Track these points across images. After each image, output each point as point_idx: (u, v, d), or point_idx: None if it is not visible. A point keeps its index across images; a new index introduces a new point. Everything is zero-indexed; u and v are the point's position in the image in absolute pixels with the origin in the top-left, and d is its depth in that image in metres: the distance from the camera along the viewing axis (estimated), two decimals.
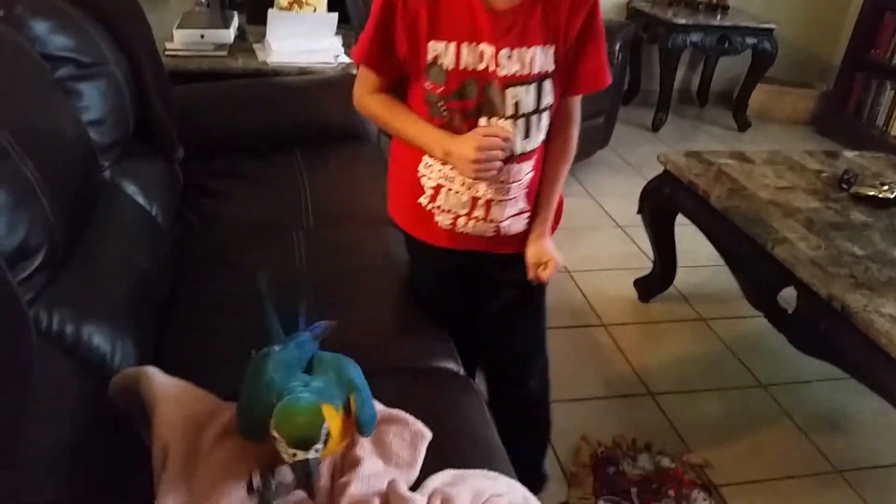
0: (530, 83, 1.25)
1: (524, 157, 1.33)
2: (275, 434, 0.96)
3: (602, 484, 1.92)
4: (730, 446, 2.12)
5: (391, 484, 1.11)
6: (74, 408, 1.16)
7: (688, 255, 2.79)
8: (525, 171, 1.36)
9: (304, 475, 0.98)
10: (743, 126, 4.74)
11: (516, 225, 1.42)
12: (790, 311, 2.01)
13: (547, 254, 1.42)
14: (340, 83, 2.49)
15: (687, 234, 2.59)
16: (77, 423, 1.13)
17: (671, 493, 1.91)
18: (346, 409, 1.08)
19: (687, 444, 2.11)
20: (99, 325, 1.32)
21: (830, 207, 2.23)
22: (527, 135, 1.31)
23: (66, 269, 1.34)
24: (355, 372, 1.15)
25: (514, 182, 1.35)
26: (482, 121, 1.27)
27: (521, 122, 1.28)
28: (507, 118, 1.27)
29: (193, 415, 1.19)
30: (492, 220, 1.38)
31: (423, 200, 1.40)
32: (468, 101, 1.26)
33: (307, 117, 2.42)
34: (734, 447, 2.12)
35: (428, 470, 1.20)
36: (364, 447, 1.19)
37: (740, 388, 2.37)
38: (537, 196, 1.43)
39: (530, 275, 1.44)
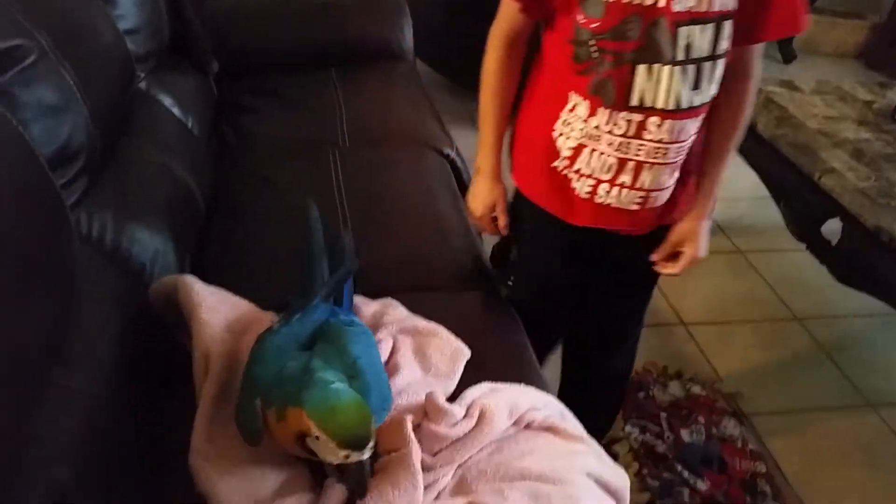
0: (708, 22, 1.04)
1: (690, 112, 1.10)
2: (317, 434, 0.86)
3: (631, 408, 1.93)
4: (762, 377, 2.11)
5: (430, 396, 1.11)
6: (118, 311, 1.17)
7: (727, 188, 2.72)
8: (690, 132, 1.14)
9: (359, 477, 0.90)
10: (788, 58, 4.56)
11: (664, 196, 1.20)
12: (834, 243, 1.97)
13: (693, 240, 1.26)
14: (377, 1, 2.43)
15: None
16: (121, 325, 1.15)
17: (701, 419, 1.91)
18: None
19: (719, 373, 2.10)
20: (139, 232, 1.32)
21: (881, 139, 2.15)
22: (696, 86, 1.08)
23: (104, 175, 1.34)
24: (359, 348, 1.04)
25: (674, 142, 1.12)
26: (640, 69, 1.05)
27: (690, 69, 1.06)
28: (674, 64, 1.05)
29: (233, 322, 1.20)
30: (640, 188, 1.16)
31: (559, 164, 1.20)
32: (626, 43, 1.04)
33: (343, 35, 2.36)
34: (766, 378, 2.11)
35: (465, 385, 1.20)
36: (405, 356, 1.19)
37: (775, 321, 2.34)
38: (704, 164, 1.24)
39: (658, 255, 1.30)
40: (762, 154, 2.20)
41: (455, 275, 1.51)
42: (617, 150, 1.13)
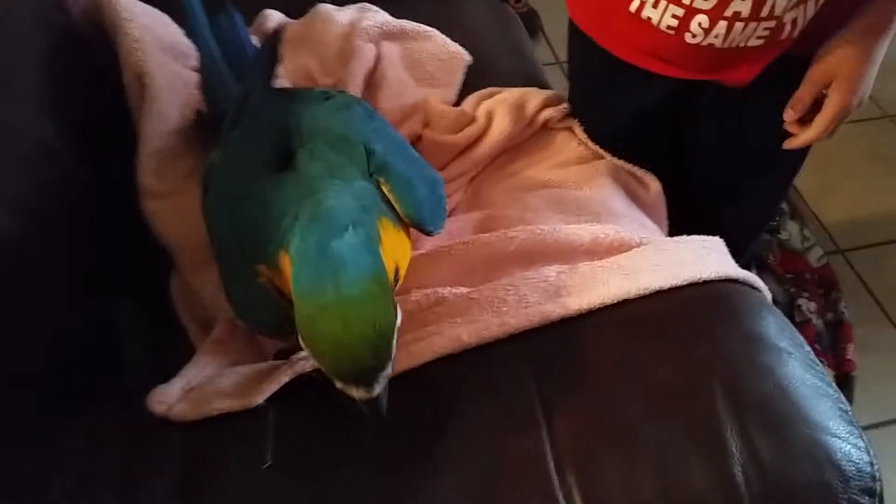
0: None
1: None
2: (301, 335, 0.55)
3: None
4: None
5: (426, 100, 0.94)
6: (39, 34, 0.94)
7: None
8: None
9: (372, 412, 0.56)
10: None
11: (807, 16, 0.77)
12: None
13: (851, 75, 0.78)
14: None
15: None
16: (42, 47, 0.93)
17: None
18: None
19: None
20: None
21: None
22: None
23: None
24: (369, 126, 0.70)
25: None
26: None
27: None
28: None
29: (170, 43, 0.97)
30: (769, 16, 0.74)
31: None
32: None
33: None
34: None
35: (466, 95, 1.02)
36: (393, 64, 1.00)
37: None
38: None
39: (793, 109, 0.82)
40: None
41: None
42: None
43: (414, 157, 0.72)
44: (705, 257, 0.74)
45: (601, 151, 0.96)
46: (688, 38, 0.77)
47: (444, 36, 1.07)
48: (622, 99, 0.93)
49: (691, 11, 0.75)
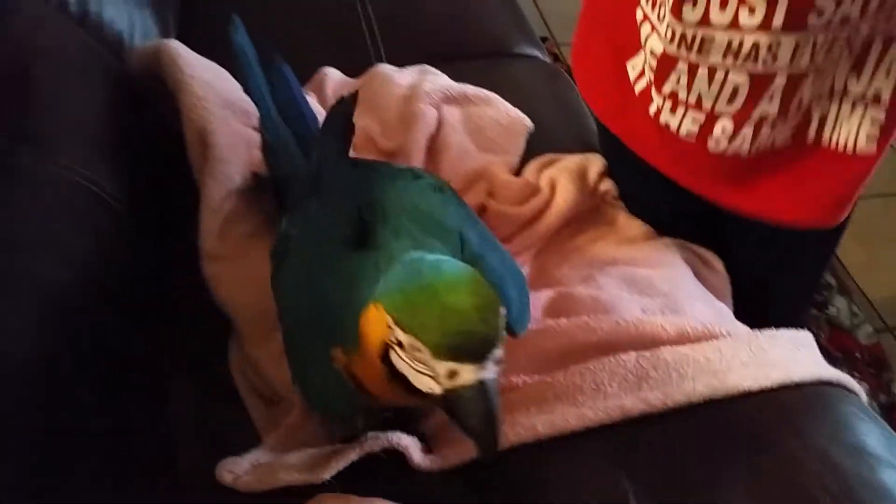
0: None
1: None
2: (399, 336, 0.50)
3: None
4: None
5: (490, 169, 0.92)
6: (96, 83, 0.93)
7: None
8: None
9: (482, 410, 0.49)
10: None
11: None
12: None
13: None
14: None
15: None
16: (97, 100, 0.91)
17: None
18: None
19: None
20: None
21: None
22: None
23: None
24: (463, 213, 0.67)
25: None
26: None
27: None
28: None
29: (231, 100, 0.95)
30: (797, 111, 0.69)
31: (638, 81, 0.75)
32: None
33: None
34: None
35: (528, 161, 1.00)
36: (455, 129, 0.98)
37: None
38: None
39: None
40: None
41: (497, 38, 1.26)
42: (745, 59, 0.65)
43: (502, 251, 0.69)
44: (795, 354, 0.70)
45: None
46: (710, 145, 0.72)
47: (504, 101, 1.05)
48: (656, 198, 0.90)
49: (712, 118, 0.70)
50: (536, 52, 1.27)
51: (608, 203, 0.96)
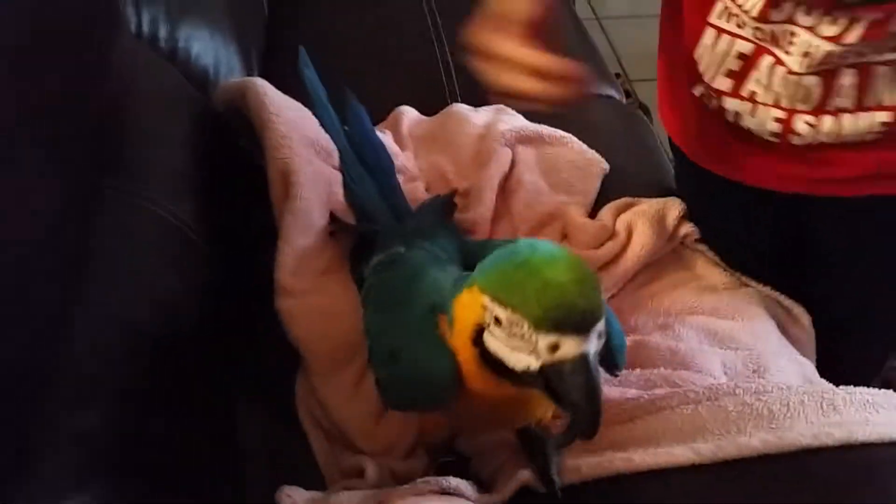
0: None
1: None
2: (497, 313, 0.50)
3: None
4: None
5: (566, 211, 0.90)
6: (180, 118, 0.96)
7: None
8: None
9: (584, 383, 0.49)
10: None
11: None
12: None
13: None
14: None
15: None
16: (184, 134, 0.93)
17: None
18: None
19: None
20: (196, 30, 1.09)
21: None
22: None
23: None
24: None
25: None
26: None
27: None
28: None
29: (313, 139, 0.96)
30: (878, 106, 0.69)
31: (724, 85, 0.76)
32: None
33: None
34: None
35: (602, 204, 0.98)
36: (529, 169, 0.97)
37: None
38: None
39: None
40: None
41: None
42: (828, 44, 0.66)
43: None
44: (867, 415, 0.65)
45: (745, 279, 0.90)
46: (794, 138, 0.73)
47: (579, 142, 1.03)
48: (739, 233, 0.89)
49: (791, 113, 0.71)
50: (613, 92, 1.26)
51: (688, 248, 0.93)
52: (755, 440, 0.63)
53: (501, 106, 1.08)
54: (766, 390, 0.68)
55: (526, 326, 0.48)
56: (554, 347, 0.48)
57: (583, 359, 0.48)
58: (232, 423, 0.77)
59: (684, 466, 0.62)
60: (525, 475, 0.63)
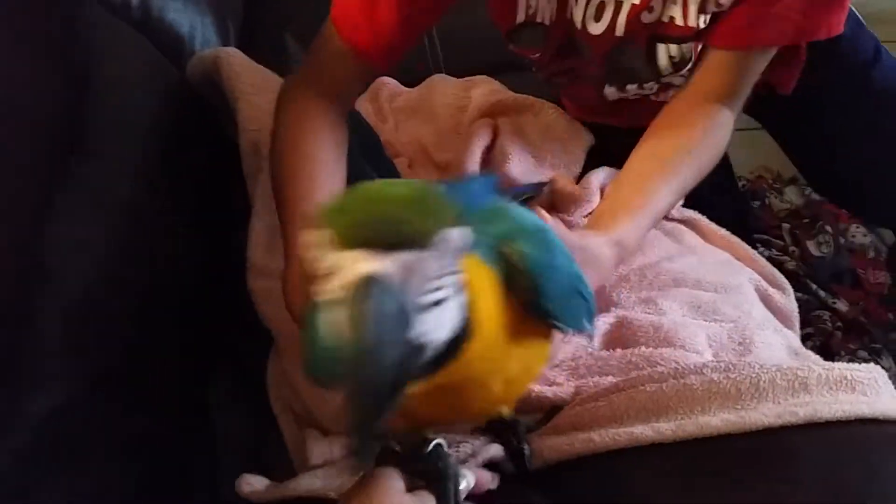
0: None
1: None
2: (318, 236, 0.39)
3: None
4: None
5: (555, 180, 0.88)
6: (152, 92, 0.93)
7: None
8: None
9: (370, 322, 0.37)
10: None
11: None
12: None
13: None
14: None
15: None
16: (157, 109, 0.91)
17: (827, 228, 1.66)
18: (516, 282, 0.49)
19: None
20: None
21: None
22: None
23: None
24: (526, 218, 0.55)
25: None
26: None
27: None
28: None
29: None
30: None
31: None
32: None
33: None
34: None
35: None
36: (512, 140, 0.95)
37: None
38: None
39: None
40: None
41: None
42: None
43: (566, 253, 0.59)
44: (839, 393, 0.63)
45: (735, 242, 0.89)
46: None
47: (562, 110, 1.01)
48: None
49: None
50: None
51: (676, 221, 0.92)
52: (716, 419, 0.61)
53: (484, 77, 1.06)
54: (736, 368, 0.67)
55: (335, 243, 0.38)
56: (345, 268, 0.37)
57: (367, 280, 0.36)
58: (205, 411, 0.75)
59: (647, 446, 0.60)
60: (495, 449, 0.61)
